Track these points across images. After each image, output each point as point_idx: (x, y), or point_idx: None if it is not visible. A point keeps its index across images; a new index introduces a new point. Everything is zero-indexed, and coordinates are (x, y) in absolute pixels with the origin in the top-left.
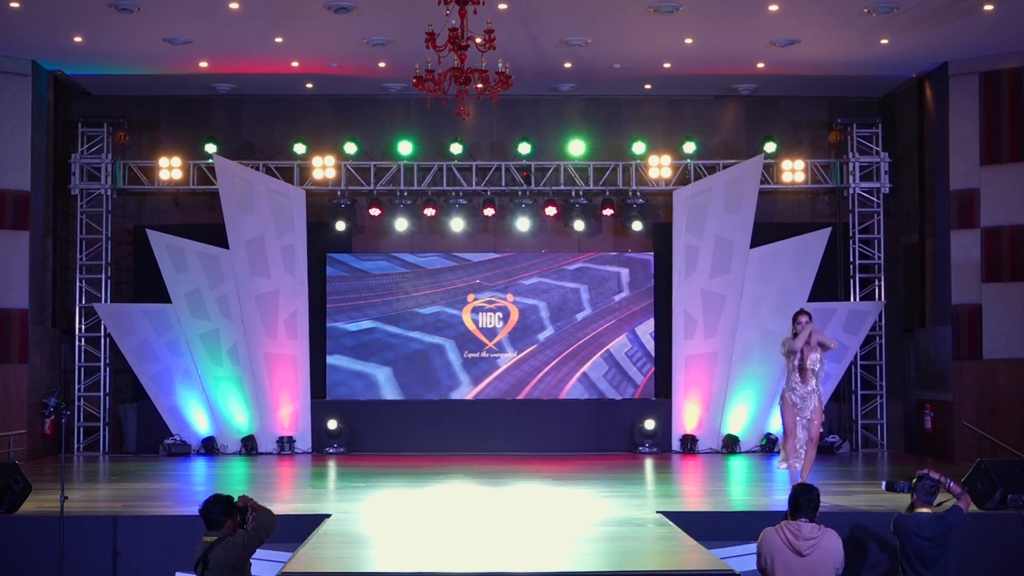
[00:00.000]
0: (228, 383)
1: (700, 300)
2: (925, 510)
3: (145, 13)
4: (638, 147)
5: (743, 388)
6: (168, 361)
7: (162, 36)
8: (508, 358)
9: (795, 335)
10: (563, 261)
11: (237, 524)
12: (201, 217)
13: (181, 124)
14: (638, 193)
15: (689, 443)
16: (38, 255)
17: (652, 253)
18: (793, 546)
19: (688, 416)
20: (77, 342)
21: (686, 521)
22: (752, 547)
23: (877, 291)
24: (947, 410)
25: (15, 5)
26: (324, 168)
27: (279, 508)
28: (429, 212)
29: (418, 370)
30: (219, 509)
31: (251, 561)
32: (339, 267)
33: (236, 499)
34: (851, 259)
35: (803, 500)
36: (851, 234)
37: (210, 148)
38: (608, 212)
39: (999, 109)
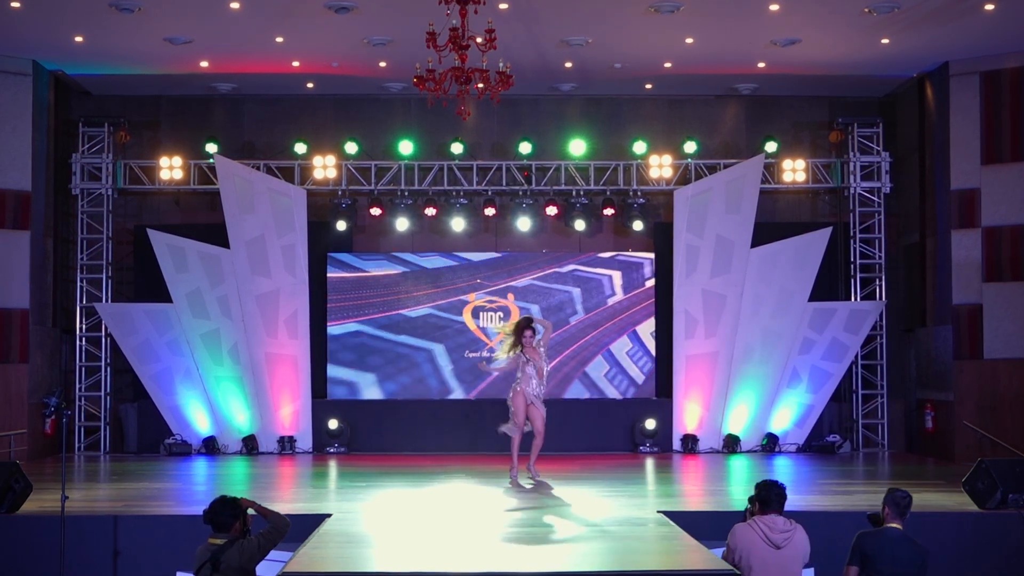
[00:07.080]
0: (229, 383)
1: (701, 300)
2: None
3: (145, 13)
4: (639, 147)
5: (744, 388)
6: (169, 361)
7: (163, 36)
8: (508, 358)
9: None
10: (564, 261)
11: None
12: (202, 217)
13: (182, 124)
14: (639, 193)
15: (690, 443)
16: (39, 255)
17: (653, 253)
18: (770, 540)
19: (689, 416)
20: (78, 342)
21: (687, 521)
22: None
23: (878, 291)
24: (948, 410)
25: (15, 5)
26: (325, 168)
27: (280, 508)
28: (430, 212)
29: (420, 367)
30: (228, 512)
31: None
32: (340, 267)
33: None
34: (852, 259)
35: (773, 495)
36: (852, 234)
37: (211, 148)
38: (609, 212)
39: (1000, 109)
